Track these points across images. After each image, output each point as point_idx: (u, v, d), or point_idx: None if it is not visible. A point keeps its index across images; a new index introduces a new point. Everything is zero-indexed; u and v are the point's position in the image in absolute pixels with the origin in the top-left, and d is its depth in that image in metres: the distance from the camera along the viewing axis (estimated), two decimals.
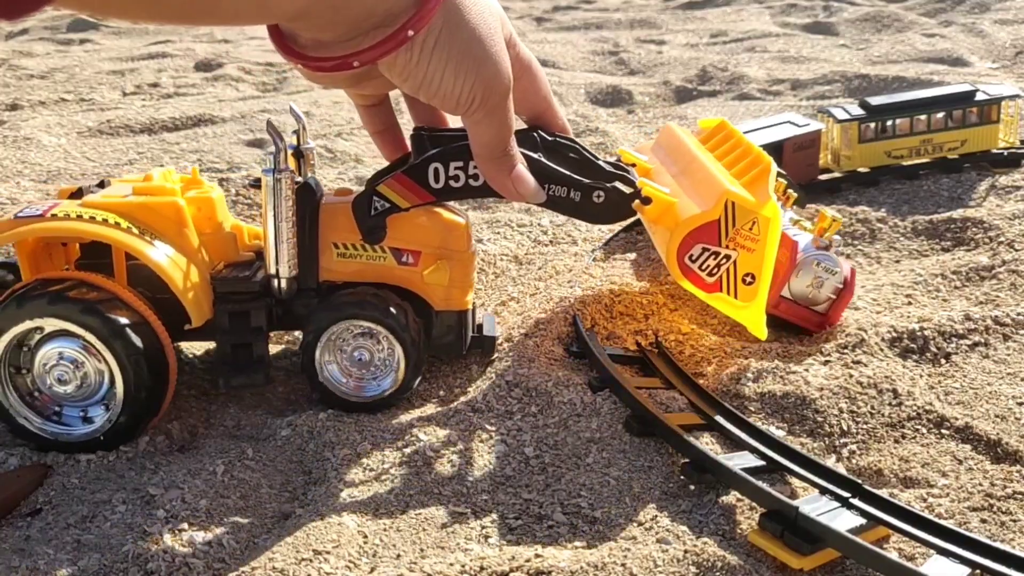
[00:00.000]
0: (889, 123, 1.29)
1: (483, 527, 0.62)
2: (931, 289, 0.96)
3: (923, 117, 1.29)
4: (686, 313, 0.90)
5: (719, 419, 0.70)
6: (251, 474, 0.67)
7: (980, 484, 0.64)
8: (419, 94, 0.62)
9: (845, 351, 0.80)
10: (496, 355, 0.82)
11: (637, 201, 0.74)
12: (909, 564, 0.53)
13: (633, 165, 0.80)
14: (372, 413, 0.75)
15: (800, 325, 0.85)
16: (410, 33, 0.56)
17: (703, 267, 0.73)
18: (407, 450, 0.70)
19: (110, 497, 0.64)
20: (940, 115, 1.30)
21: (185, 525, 0.60)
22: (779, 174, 1.00)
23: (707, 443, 0.69)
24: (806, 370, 0.77)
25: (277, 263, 0.73)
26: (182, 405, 0.77)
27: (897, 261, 1.06)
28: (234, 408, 0.76)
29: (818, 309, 0.85)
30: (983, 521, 0.61)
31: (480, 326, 0.83)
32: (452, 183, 0.72)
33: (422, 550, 0.60)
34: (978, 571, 0.53)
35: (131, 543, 0.58)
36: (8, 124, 1.73)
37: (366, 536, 0.61)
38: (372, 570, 0.58)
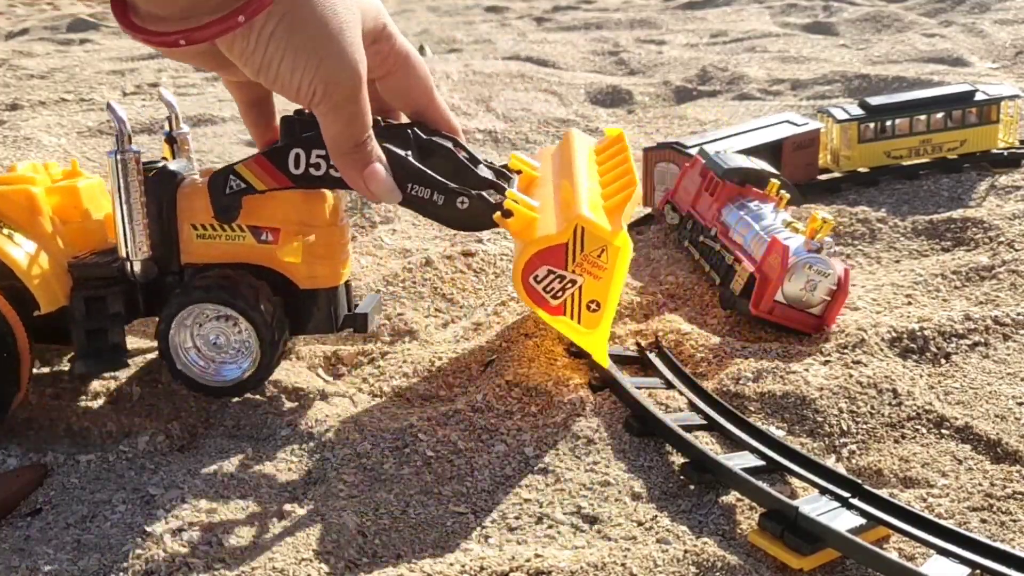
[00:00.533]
0: (889, 123, 1.29)
1: (483, 527, 0.62)
2: (931, 289, 0.96)
3: (923, 117, 1.29)
4: (686, 313, 0.90)
5: (719, 419, 0.70)
6: (251, 474, 0.67)
7: (980, 484, 0.64)
8: (259, 79, 0.62)
9: (845, 351, 0.80)
10: (496, 355, 0.82)
11: (498, 213, 0.73)
12: (909, 564, 0.53)
13: (519, 172, 0.80)
14: (237, 397, 0.76)
15: (796, 329, 0.85)
16: (240, 19, 0.57)
17: (547, 289, 0.71)
18: (407, 450, 0.70)
19: (110, 497, 0.64)
20: (940, 115, 1.30)
21: (185, 525, 0.60)
22: (774, 174, 1.00)
23: (707, 443, 0.69)
24: (806, 370, 0.77)
25: (128, 246, 0.73)
26: (182, 405, 0.77)
27: (897, 261, 1.06)
28: (234, 408, 0.76)
29: (813, 312, 0.85)
30: (983, 521, 0.61)
31: (356, 304, 0.82)
32: (312, 171, 0.72)
33: (422, 550, 0.60)
34: (978, 571, 0.53)
35: (131, 543, 0.58)
36: (8, 124, 1.73)
37: (366, 536, 0.61)
38: (372, 570, 0.58)
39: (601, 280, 0.70)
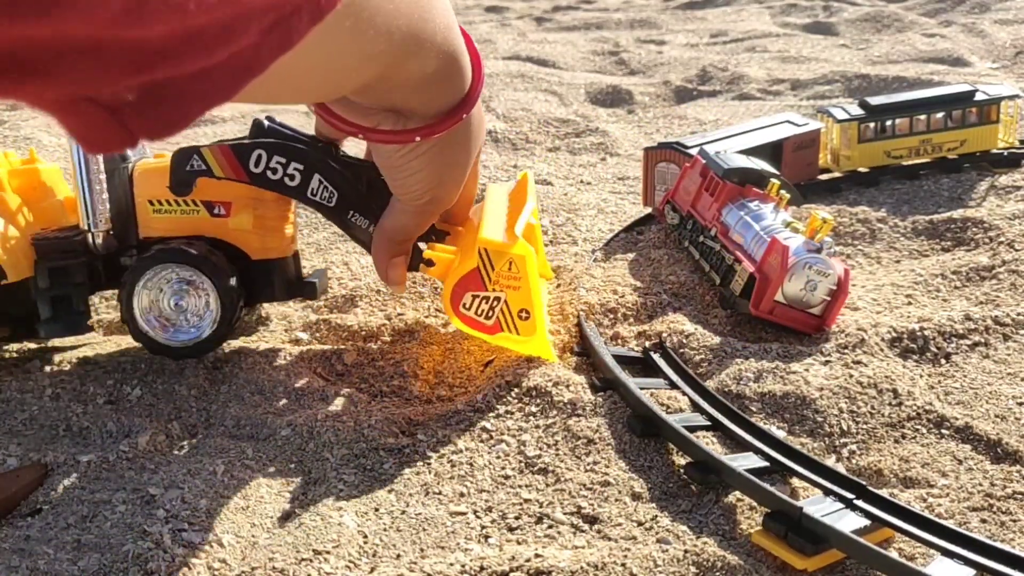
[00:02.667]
0: (889, 123, 1.29)
1: (483, 527, 0.62)
2: (931, 289, 0.96)
3: (923, 117, 1.29)
4: (688, 312, 0.90)
5: (723, 420, 0.70)
6: (251, 474, 0.67)
7: (980, 484, 0.64)
8: (384, 171, 0.67)
9: (845, 351, 0.80)
10: (495, 355, 0.82)
11: (422, 264, 0.79)
12: (915, 566, 0.53)
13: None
14: (194, 357, 0.81)
15: (797, 329, 0.85)
16: (417, 139, 0.60)
17: (478, 312, 0.76)
18: (407, 450, 0.70)
19: (110, 497, 0.64)
20: (940, 115, 1.30)
21: (185, 525, 0.60)
22: (773, 174, 1.00)
23: (710, 443, 0.69)
24: (806, 370, 0.77)
25: (89, 219, 0.78)
26: (182, 405, 0.77)
27: (897, 261, 1.06)
28: (234, 408, 0.76)
29: (813, 312, 0.85)
30: (983, 521, 0.61)
31: (307, 275, 0.87)
32: (269, 174, 0.77)
33: (422, 550, 0.59)
34: (984, 573, 0.53)
35: (131, 543, 0.58)
36: (8, 124, 1.73)
37: (366, 536, 0.61)
38: (372, 570, 0.58)
39: (521, 290, 0.75)
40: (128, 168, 0.81)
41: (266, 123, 0.79)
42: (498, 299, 0.75)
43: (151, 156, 0.83)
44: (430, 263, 0.79)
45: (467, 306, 0.76)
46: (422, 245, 0.80)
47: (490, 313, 0.76)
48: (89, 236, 0.79)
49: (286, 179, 0.77)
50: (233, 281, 0.79)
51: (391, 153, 0.64)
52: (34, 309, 0.81)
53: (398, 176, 0.66)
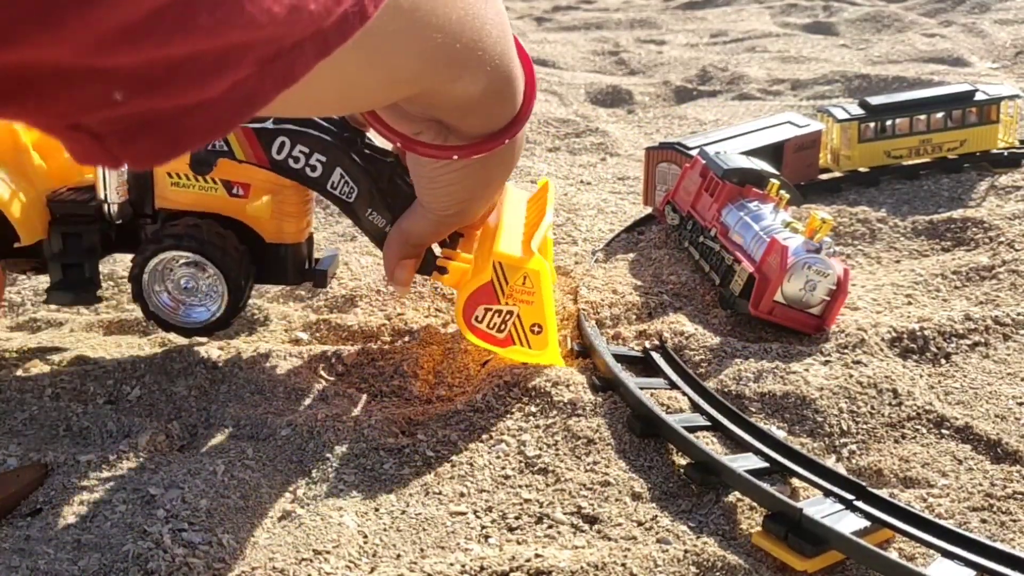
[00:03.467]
0: (889, 123, 1.29)
1: (483, 527, 0.62)
2: (931, 289, 0.96)
3: (923, 117, 1.29)
4: (688, 312, 0.90)
5: (723, 420, 0.70)
6: (251, 474, 0.67)
7: (980, 484, 0.64)
8: (415, 179, 0.66)
9: (845, 351, 0.80)
10: (492, 355, 0.82)
11: (435, 271, 0.79)
12: (914, 567, 0.53)
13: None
14: (206, 336, 0.82)
15: (796, 329, 0.85)
16: (454, 157, 0.59)
17: (490, 325, 0.76)
18: (407, 450, 0.70)
19: (110, 497, 0.64)
20: (940, 115, 1.30)
21: (185, 525, 0.60)
22: (773, 175, 1.00)
23: (710, 444, 0.69)
24: (806, 370, 0.77)
25: (105, 188, 0.78)
26: (182, 405, 0.77)
27: (897, 261, 1.06)
28: (234, 408, 0.76)
29: (813, 312, 0.85)
30: (983, 521, 0.61)
31: (318, 260, 0.86)
32: (291, 162, 0.77)
33: (422, 550, 0.59)
34: (984, 574, 0.53)
35: (131, 543, 0.58)
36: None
37: (366, 536, 0.61)
38: (372, 570, 0.58)
39: (534, 304, 0.75)
40: None
41: None
42: (511, 313, 0.75)
43: None
44: (443, 271, 0.78)
45: (479, 319, 0.75)
46: (436, 249, 0.80)
47: (502, 327, 0.75)
48: (105, 206, 0.79)
49: (307, 169, 0.76)
50: (243, 266, 0.79)
51: (426, 164, 0.63)
52: (46, 268, 0.81)
53: (429, 187, 0.65)
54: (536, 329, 0.75)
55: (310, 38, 0.28)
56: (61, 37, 0.22)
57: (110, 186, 0.78)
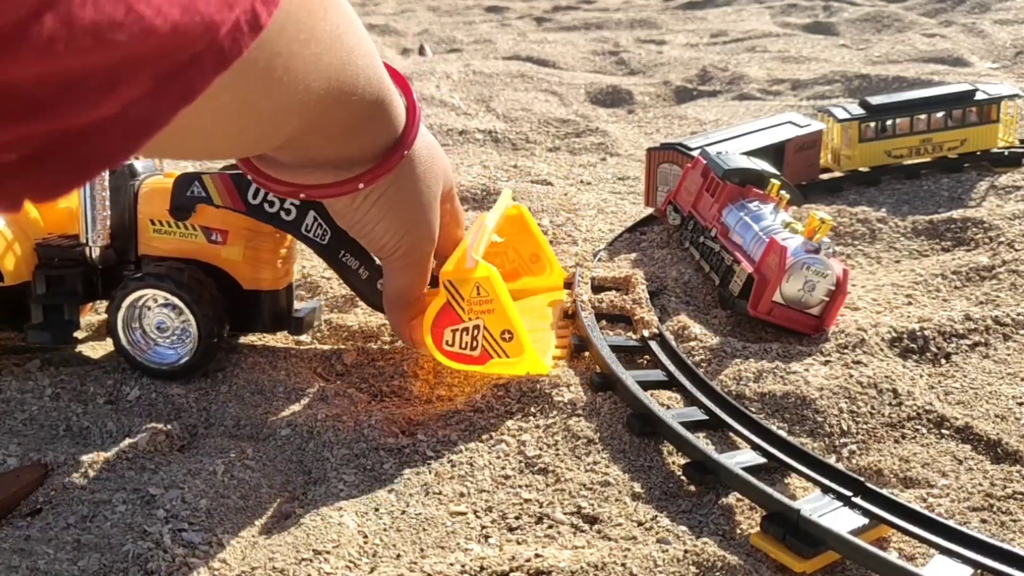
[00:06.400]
0: (889, 122, 1.29)
1: (483, 527, 0.62)
2: (931, 289, 0.96)
3: (923, 116, 1.29)
4: (688, 312, 0.90)
5: (720, 413, 0.70)
6: (251, 474, 0.67)
7: (980, 484, 0.64)
8: (350, 232, 0.66)
9: (845, 351, 0.80)
10: None
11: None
12: (911, 567, 0.53)
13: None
14: (170, 380, 0.80)
15: (795, 329, 0.85)
16: (360, 186, 0.59)
17: (463, 346, 0.75)
18: (407, 450, 0.70)
19: (110, 497, 0.64)
20: (940, 115, 1.30)
21: (185, 525, 0.60)
22: (774, 175, 1.00)
23: (708, 440, 0.69)
24: (806, 370, 0.77)
25: (89, 233, 0.80)
26: (182, 405, 0.77)
27: (897, 261, 1.06)
28: (234, 408, 0.76)
29: (812, 312, 0.85)
30: (983, 521, 0.61)
31: (298, 309, 0.86)
32: (266, 206, 0.78)
33: (422, 550, 0.60)
34: (983, 572, 0.53)
35: (131, 543, 0.58)
36: None
37: (366, 536, 0.61)
38: (372, 570, 0.58)
39: (496, 311, 0.74)
40: (135, 185, 0.81)
41: None
42: (477, 327, 0.74)
43: (161, 174, 0.83)
44: None
45: (450, 343, 0.75)
46: None
47: (474, 344, 0.75)
48: (87, 249, 0.80)
49: (282, 213, 0.77)
50: (216, 314, 0.79)
51: (346, 209, 0.63)
52: (26, 311, 0.82)
53: (362, 232, 0.65)
54: (507, 336, 0.74)
55: (207, 49, 0.26)
56: None
57: (92, 229, 0.79)
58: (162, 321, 0.80)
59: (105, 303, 0.83)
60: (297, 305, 0.87)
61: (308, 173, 0.59)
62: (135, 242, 0.82)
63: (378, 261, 0.76)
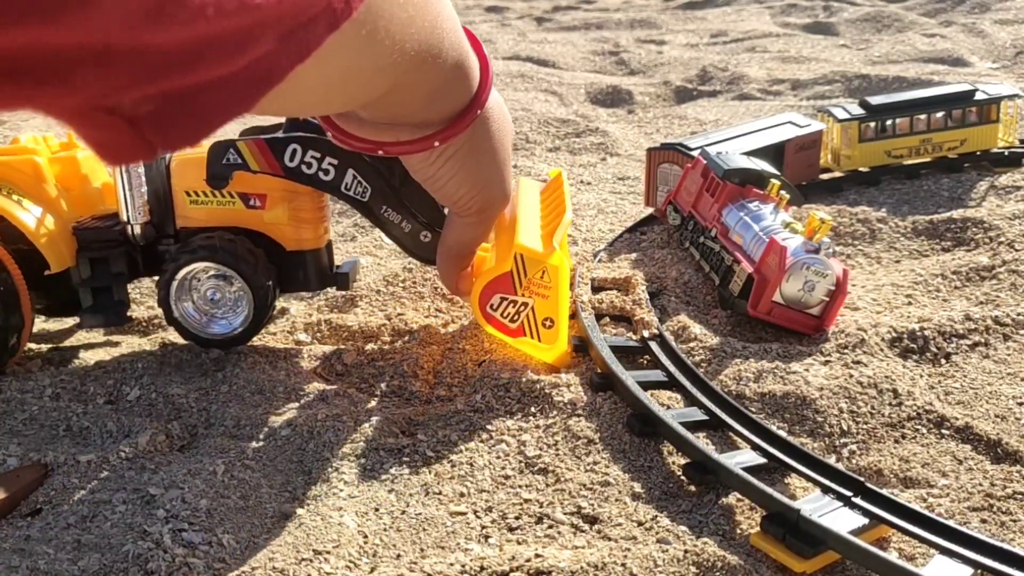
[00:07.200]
0: (889, 123, 1.29)
1: (483, 527, 0.62)
2: (931, 289, 0.96)
3: (923, 117, 1.29)
4: (689, 312, 0.90)
5: (720, 413, 0.70)
6: (251, 474, 0.67)
7: (980, 484, 0.64)
8: (425, 186, 0.67)
9: (845, 351, 0.80)
10: (489, 355, 0.82)
11: None
12: (911, 567, 0.53)
13: None
14: (224, 350, 0.83)
15: (795, 329, 0.85)
16: (436, 144, 0.60)
17: (504, 315, 0.77)
18: (407, 450, 0.70)
19: (110, 497, 0.64)
20: (940, 115, 1.30)
21: (185, 525, 0.60)
22: (773, 175, 1.00)
23: (708, 441, 0.69)
24: (806, 370, 0.77)
25: (128, 211, 0.80)
26: (182, 405, 0.77)
27: (897, 261, 1.06)
28: (234, 408, 0.76)
29: (812, 312, 0.85)
30: (983, 521, 0.60)
31: (338, 265, 0.88)
32: (304, 168, 0.78)
33: (422, 550, 0.59)
34: (983, 572, 0.53)
35: (131, 543, 0.58)
36: (8, 124, 1.73)
37: (366, 536, 0.61)
38: (372, 570, 0.58)
39: (549, 299, 0.76)
40: (165, 159, 0.82)
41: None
42: (526, 304, 0.77)
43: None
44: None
45: (494, 307, 0.77)
46: None
47: (516, 317, 0.77)
48: (128, 228, 0.81)
49: (320, 174, 0.78)
50: (269, 281, 0.80)
51: (421, 165, 0.64)
52: (76, 297, 0.83)
53: (437, 186, 0.67)
54: (548, 323, 0.77)
55: (323, 11, 0.29)
56: (107, 13, 0.23)
57: (132, 207, 0.80)
58: (214, 292, 0.81)
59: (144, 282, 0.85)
60: (337, 261, 0.89)
61: (386, 130, 0.60)
62: (172, 215, 0.83)
63: (445, 212, 0.77)
